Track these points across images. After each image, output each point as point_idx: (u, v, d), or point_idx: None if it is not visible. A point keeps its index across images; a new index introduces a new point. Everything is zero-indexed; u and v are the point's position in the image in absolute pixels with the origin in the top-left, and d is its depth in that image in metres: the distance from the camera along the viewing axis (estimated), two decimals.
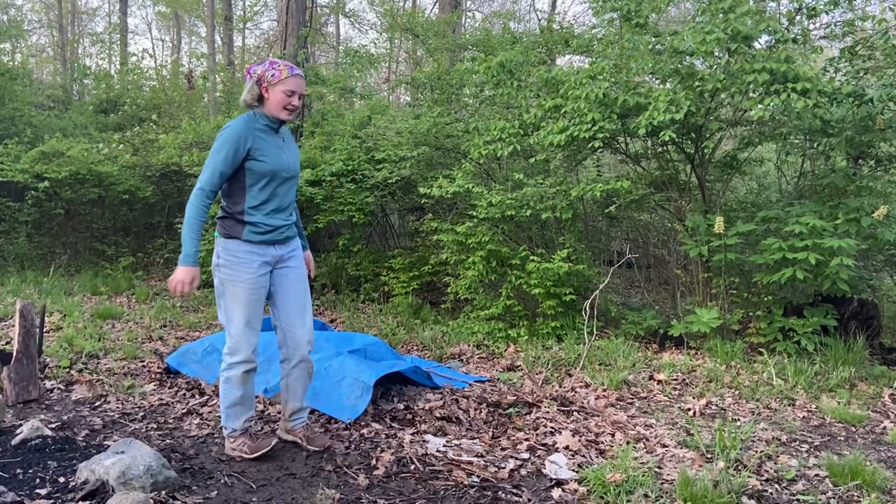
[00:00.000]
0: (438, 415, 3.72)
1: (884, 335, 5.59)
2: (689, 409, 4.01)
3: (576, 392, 4.28)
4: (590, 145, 5.48)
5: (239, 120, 2.99)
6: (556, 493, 2.82)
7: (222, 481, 2.86)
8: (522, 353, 5.25)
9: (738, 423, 3.76)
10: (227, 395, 3.07)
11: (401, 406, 3.88)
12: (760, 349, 5.07)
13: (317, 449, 3.24)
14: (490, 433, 3.52)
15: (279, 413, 3.75)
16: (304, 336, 3.17)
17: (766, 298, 5.29)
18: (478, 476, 2.98)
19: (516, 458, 3.19)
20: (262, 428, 3.52)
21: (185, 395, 4.07)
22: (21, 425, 3.30)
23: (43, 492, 2.63)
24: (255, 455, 3.06)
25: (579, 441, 3.39)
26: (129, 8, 21.38)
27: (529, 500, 2.76)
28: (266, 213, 3.02)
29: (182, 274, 2.91)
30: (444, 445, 3.32)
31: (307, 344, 3.18)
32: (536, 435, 3.50)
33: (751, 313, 5.35)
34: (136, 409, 3.77)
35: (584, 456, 3.24)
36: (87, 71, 13.59)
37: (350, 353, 4.15)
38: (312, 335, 3.21)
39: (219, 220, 3.06)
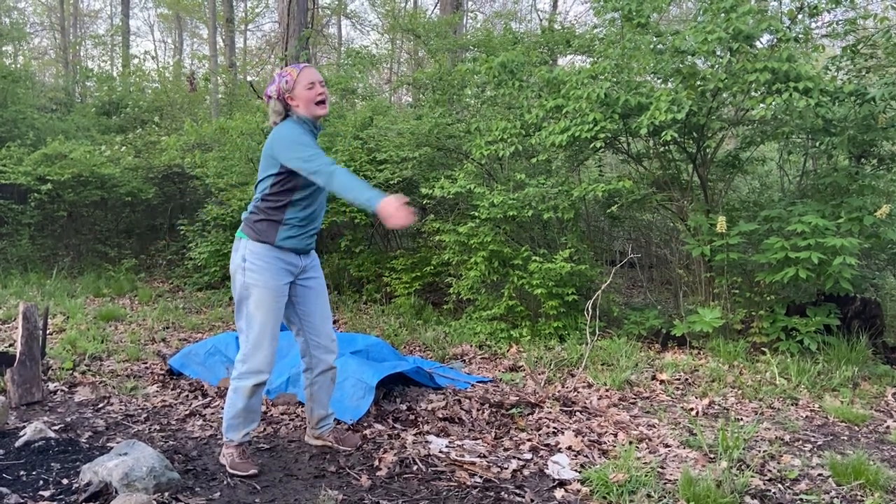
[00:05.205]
0: (441, 415, 3.72)
1: (887, 334, 5.58)
2: (691, 409, 4.01)
3: (578, 392, 4.28)
4: (591, 145, 5.48)
5: (286, 121, 2.90)
6: (558, 493, 2.82)
7: (225, 482, 2.86)
8: (525, 353, 5.25)
9: (741, 423, 3.76)
10: (232, 405, 2.96)
11: (403, 407, 3.88)
12: (763, 349, 5.06)
13: (349, 449, 3.25)
14: (493, 434, 3.52)
15: (282, 414, 3.75)
16: (329, 345, 3.18)
17: (768, 298, 5.28)
18: (480, 476, 2.98)
19: (519, 459, 3.19)
20: (264, 429, 3.53)
21: (187, 396, 4.07)
22: (24, 427, 3.31)
23: (46, 494, 2.64)
24: (232, 472, 2.95)
25: (582, 441, 3.39)
26: (130, 10, 21.42)
27: (532, 501, 2.76)
28: (303, 220, 2.95)
29: (392, 202, 2.54)
30: (447, 446, 3.32)
31: (332, 352, 3.19)
32: (539, 435, 3.50)
33: (753, 313, 5.34)
34: (140, 411, 3.78)
35: (586, 456, 3.24)
36: (90, 73, 13.59)
37: (352, 354, 4.15)
38: (336, 343, 3.21)
39: (252, 222, 2.93)
